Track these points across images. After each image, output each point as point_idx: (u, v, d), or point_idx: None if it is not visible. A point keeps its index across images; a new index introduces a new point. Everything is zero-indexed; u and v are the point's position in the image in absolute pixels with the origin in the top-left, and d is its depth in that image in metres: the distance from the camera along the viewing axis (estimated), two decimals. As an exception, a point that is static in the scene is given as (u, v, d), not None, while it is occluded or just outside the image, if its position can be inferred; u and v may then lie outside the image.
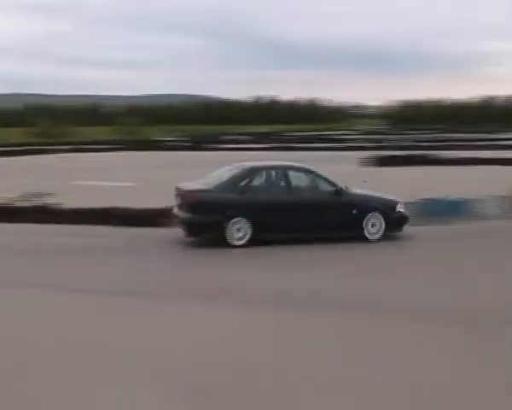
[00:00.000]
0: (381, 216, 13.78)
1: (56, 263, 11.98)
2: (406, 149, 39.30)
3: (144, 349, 7.34)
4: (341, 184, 14.10)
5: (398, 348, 7.44)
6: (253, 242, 13.08)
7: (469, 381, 6.41)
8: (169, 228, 14.45)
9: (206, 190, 13.46)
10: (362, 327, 8.11)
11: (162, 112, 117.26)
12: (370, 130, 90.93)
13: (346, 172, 24.25)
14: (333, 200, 13.75)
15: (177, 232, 13.69)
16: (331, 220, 13.71)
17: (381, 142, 52.02)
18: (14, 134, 62.41)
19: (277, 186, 13.78)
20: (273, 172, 13.98)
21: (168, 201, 14.56)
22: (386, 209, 13.94)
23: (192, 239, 13.45)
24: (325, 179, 13.98)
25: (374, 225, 13.75)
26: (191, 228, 13.37)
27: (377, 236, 13.74)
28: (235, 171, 13.84)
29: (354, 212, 13.68)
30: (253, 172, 13.85)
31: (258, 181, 13.77)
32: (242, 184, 13.51)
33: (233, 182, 13.52)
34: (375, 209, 13.79)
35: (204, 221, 13.18)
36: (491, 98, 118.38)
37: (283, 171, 13.92)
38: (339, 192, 13.78)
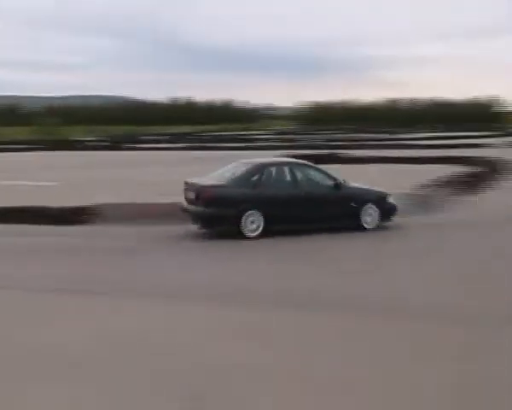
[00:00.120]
0: (375, 207, 15.13)
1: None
2: (318, 148, 40.37)
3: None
4: (340, 178, 15.32)
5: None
6: (266, 233, 13.89)
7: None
8: (92, 225, 15.22)
9: (221, 185, 14.31)
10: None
11: (81, 113, 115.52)
12: (283, 130, 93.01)
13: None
14: (334, 193, 14.94)
15: (108, 230, 14.70)
16: (333, 212, 14.92)
17: (293, 141, 53.51)
18: None
19: (285, 181, 14.82)
20: (280, 168, 15.00)
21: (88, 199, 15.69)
22: (380, 201, 15.28)
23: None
24: (325, 174, 15.22)
25: (370, 215, 15.07)
26: (207, 221, 14.26)
27: (373, 225, 15.05)
28: (247, 167, 14.79)
29: (352, 204, 14.96)
30: (263, 168, 14.80)
31: (267, 176, 14.70)
32: (254, 179, 14.48)
33: (245, 177, 14.46)
34: (370, 201, 15.10)
35: (220, 214, 14.02)
36: (395, 101, 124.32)
37: (289, 166, 15.04)
38: (338, 186, 14.99)
